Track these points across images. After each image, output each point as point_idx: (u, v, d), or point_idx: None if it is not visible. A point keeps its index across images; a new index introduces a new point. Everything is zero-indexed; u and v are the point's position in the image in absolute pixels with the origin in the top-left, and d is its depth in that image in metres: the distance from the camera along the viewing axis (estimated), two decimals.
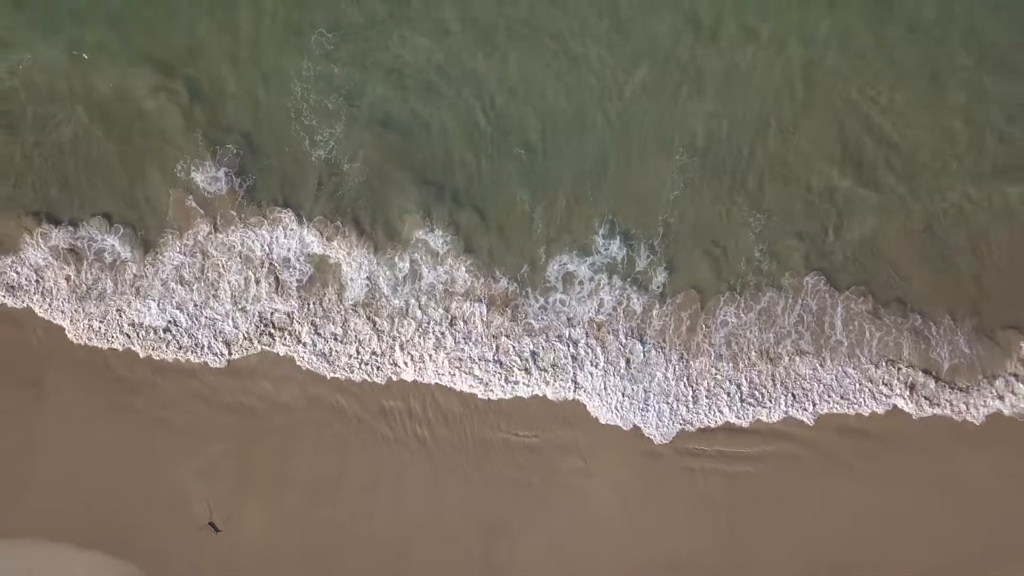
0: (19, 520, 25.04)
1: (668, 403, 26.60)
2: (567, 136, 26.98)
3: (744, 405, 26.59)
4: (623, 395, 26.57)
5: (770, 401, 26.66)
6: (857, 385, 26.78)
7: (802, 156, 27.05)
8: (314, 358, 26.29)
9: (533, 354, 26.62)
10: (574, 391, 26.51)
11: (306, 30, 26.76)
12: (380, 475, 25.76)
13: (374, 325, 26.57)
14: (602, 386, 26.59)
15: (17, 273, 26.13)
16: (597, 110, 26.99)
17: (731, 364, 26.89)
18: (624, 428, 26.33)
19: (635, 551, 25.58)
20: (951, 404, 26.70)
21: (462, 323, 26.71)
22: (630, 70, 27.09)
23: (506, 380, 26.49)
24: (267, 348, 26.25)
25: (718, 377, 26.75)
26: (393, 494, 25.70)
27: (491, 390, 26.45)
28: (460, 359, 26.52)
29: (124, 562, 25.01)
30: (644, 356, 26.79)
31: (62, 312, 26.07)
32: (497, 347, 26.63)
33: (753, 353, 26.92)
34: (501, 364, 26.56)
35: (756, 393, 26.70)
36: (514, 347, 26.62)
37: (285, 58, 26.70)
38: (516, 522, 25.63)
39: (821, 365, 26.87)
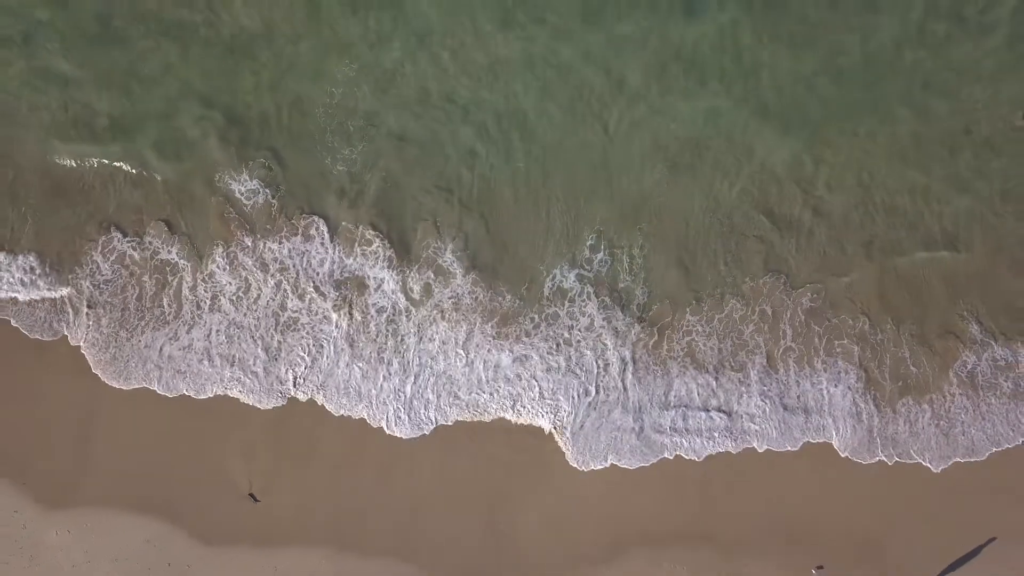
0: (85, 491, 26.74)
1: (641, 438, 27.04)
2: (561, 153, 28.30)
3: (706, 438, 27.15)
4: (598, 438, 27.07)
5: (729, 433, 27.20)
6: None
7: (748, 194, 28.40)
8: (344, 401, 27.22)
9: (517, 393, 27.16)
10: (559, 429, 27.23)
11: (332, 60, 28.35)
12: (396, 453, 27.10)
13: (396, 354, 27.27)
14: (578, 433, 27.09)
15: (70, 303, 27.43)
16: (590, 132, 28.43)
17: (701, 381, 27.17)
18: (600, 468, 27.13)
19: (616, 521, 26.81)
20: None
21: (464, 343, 27.29)
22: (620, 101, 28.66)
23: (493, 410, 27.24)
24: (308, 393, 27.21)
25: (689, 401, 27.06)
26: (407, 471, 27.05)
27: (485, 415, 27.27)
28: (458, 385, 27.21)
29: (175, 527, 26.60)
30: (623, 387, 27.11)
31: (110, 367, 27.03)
32: (493, 371, 27.14)
33: (713, 367, 27.24)
34: (492, 395, 27.24)
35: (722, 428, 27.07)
36: (506, 376, 27.15)
37: (312, 83, 28.24)
38: (515, 495, 26.81)
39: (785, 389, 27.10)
